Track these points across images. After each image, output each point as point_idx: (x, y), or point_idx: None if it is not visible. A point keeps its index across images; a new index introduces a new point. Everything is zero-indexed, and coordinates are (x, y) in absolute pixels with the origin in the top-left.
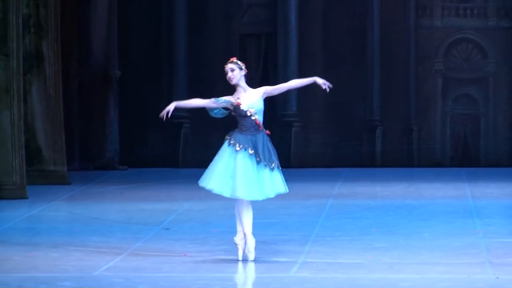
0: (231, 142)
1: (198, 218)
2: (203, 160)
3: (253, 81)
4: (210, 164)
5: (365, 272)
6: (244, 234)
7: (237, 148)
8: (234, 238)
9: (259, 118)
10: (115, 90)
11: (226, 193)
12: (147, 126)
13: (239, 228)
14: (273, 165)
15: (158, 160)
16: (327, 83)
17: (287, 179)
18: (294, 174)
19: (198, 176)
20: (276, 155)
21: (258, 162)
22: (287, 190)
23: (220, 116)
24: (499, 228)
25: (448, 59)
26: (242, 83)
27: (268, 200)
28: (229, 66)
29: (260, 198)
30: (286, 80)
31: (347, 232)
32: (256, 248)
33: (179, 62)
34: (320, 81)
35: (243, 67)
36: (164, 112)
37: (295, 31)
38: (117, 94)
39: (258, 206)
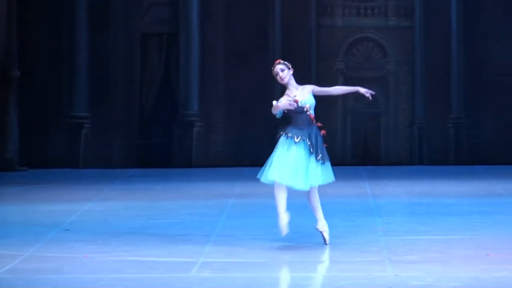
0: (289, 135)
1: (98, 218)
2: (104, 160)
3: (154, 82)
4: (270, 158)
5: (266, 271)
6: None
7: (296, 140)
8: (316, 226)
9: (312, 113)
10: (15, 90)
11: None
12: (47, 126)
13: (318, 216)
14: (319, 157)
15: (59, 160)
16: (370, 91)
17: (189, 179)
18: (196, 174)
19: (99, 176)
20: (325, 150)
21: (311, 154)
22: (333, 179)
23: (280, 115)
24: (399, 226)
25: (348, 58)
26: (292, 81)
27: (170, 200)
28: (278, 67)
29: (306, 188)
30: (188, 79)
31: (248, 232)
32: (156, 248)
33: (80, 62)
34: (362, 90)
35: (290, 66)
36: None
37: (197, 30)
38: (17, 95)
39: (160, 206)
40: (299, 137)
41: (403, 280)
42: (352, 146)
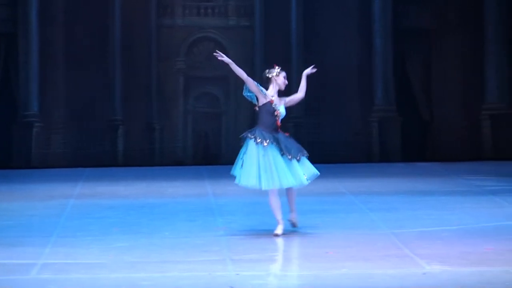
0: (258, 140)
1: None
2: None
3: None
4: (243, 164)
5: (107, 272)
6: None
7: (265, 144)
8: (288, 217)
9: (279, 121)
10: None
11: (269, 186)
12: None
13: (292, 208)
14: (298, 157)
15: None
16: (312, 67)
17: (28, 180)
18: (35, 175)
19: None
20: (300, 147)
21: (282, 155)
22: (318, 173)
23: (250, 99)
24: (240, 225)
25: (189, 58)
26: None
27: (9, 201)
28: (284, 74)
29: (296, 185)
30: (27, 79)
31: (88, 232)
32: None
33: None
34: (308, 71)
35: None
36: (219, 55)
37: (36, 30)
38: None
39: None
40: (267, 140)
41: (244, 279)
42: (193, 146)
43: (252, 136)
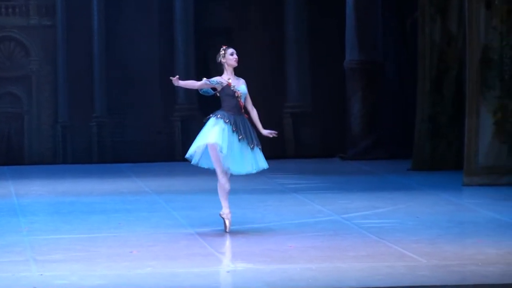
0: (218, 116)
1: None
2: None
3: None
4: (199, 136)
5: None
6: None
7: (226, 121)
8: (220, 212)
9: (242, 101)
10: None
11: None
12: None
13: (224, 204)
14: (253, 145)
15: None
16: (273, 132)
17: None
18: None
19: None
20: (256, 136)
21: (239, 140)
22: (267, 166)
23: (208, 94)
24: (43, 226)
25: None
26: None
27: None
28: (231, 50)
29: (244, 172)
30: None
31: None
32: None
33: None
34: (265, 132)
35: None
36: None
37: None
38: None
39: None
40: (228, 120)
41: (48, 280)
42: None
43: (214, 115)
